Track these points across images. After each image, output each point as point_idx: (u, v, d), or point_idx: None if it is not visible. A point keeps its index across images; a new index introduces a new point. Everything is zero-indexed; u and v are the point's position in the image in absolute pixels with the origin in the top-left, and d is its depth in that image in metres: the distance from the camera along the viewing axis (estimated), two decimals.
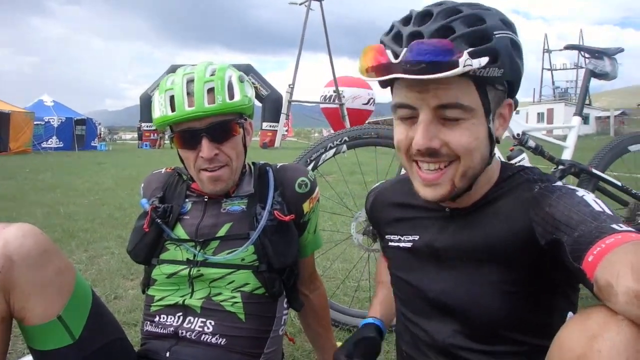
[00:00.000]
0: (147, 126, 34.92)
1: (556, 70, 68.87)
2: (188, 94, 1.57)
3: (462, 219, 1.31)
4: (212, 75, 1.61)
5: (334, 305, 2.82)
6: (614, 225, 0.98)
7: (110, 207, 7.23)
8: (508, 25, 1.15)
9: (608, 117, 50.87)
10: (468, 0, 1.18)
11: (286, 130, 34.79)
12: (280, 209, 1.70)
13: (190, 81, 1.59)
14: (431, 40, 1.08)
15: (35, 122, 27.10)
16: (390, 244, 1.48)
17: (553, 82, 68.13)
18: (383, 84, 1.23)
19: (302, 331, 2.68)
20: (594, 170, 3.03)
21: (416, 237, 1.39)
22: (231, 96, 1.61)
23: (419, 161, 1.22)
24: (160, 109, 1.60)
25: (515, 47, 1.15)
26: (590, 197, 1.11)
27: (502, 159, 2.46)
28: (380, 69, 1.14)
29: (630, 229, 0.97)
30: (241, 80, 1.67)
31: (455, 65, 1.04)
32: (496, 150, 2.68)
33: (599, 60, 3.11)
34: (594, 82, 3.36)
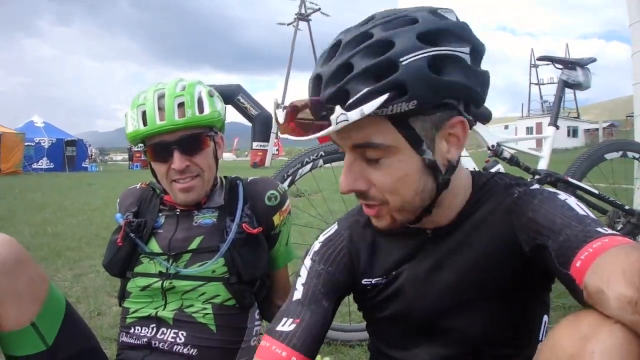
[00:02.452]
0: (138, 147, 34.66)
1: (544, 84, 69.33)
2: (159, 108, 1.62)
3: (445, 238, 1.21)
4: (182, 90, 1.66)
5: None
6: (599, 229, 0.96)
7: (98, 227, 7.23)
8: (430, 38, 0.99)
9: (597, 130, 51.20)
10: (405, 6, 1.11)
11: (277, 150, 34.77)
12: (249, 222, 1.74)
13: (161, 97, 1.64)
14: (308, 101, 1.03)
15: (26, 143, 27.01)
16: (369, 286, 1.31)
17: (541, 97, 68.46)
18: None
19: None
20: (571, 180, 3.05)
21: (400, 268, 1.26)
22: (201, 110, 1.66)
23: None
24: (132, 124, 1.65)
25: (435, 67, 0.99)
26: (572, 201, 1.08)
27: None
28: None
29: (615, 232, 0.95)
30: (210, 95, 1.72)
31: (328, 123, 0.96)
32: (471, 162, 2.75)
33: (572, 71, 3.15)
34: (581, 95, 3.41)
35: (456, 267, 1.19)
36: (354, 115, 0.94)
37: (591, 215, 1.04)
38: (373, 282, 1.30)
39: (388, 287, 1.28)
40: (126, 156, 49.53)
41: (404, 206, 1.11)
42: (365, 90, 0.96)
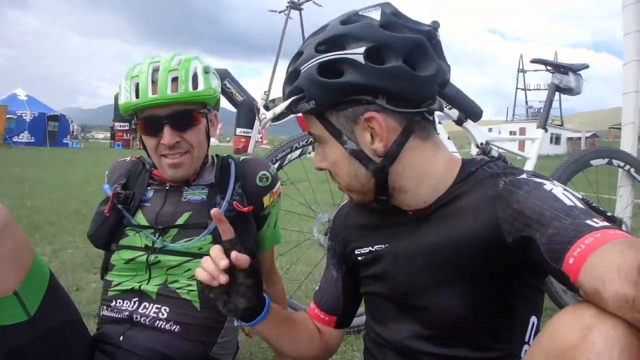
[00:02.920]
0: (120, 126, 34.47)
1: (530, 90, 69.88)
2: (153, 82, 1.61)
3: (425, 220, 1.26)
4: (177, 64, 1.64)
5: (296, 305, 2.85)
6: (589, 222, 0.95)
7: (77, 203, 7.17)
8: (327, 46, 1.18)
9: (579, 138, 51.71)
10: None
11: (260, 137, 34.75)
12: (239, 200, 1.73)
13: (155, 70, 1.63)
14: None
15: (7, 116, 26.67)
16: (360, 257, 1.42)
17: (527, 102, 69.01)
18: None
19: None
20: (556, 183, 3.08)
21: (387, 244, 1.35)
22: (195, 86, 1.65)
23: None
24: (125, 96, 1.64)
25: (337, 67, 1.15)
26: (559, 190, 1.07)
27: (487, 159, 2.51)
28: None
29: (606, 223, 0.95)
30: (206, 72, 1.70)
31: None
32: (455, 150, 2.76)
33: (564, 75, 3.17)
34: (566, 104, 3.44)
35: (433, 247, 1.22)
36: (269, 114, 1.14)
37: (579, 204, 1.03)
38: (362, 251, 1.41)
39: (374, 262, 1.37)
40: (108, 134, 49.09)
41: (348, 187, 1.30)
42: (286, 93, 1.23)
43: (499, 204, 1.12)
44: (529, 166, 3.10)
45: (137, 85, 1.62)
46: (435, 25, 1.23)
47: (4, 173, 11.13)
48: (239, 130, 33.12)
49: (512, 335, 1.21)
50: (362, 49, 1.13)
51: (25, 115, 29.41)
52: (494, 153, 2.90)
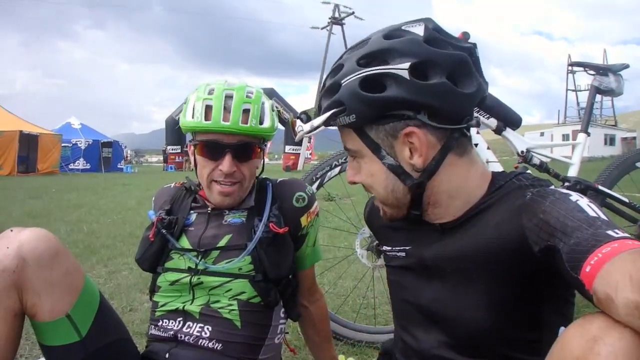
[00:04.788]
0: (173, 149, 35.29)
1: (581, 91, 67.85)
2: (225, 108, 1.66)
3: (453, 232, 1.28)
4: (250, 97, 1.71)
5: (340, 320, 2.87)
6: (610, 232, 0.95)
7: (132, 226, 7.37)
8: (369, 60, 1.20)
9: (634, 138, 50.08)
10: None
11: (310, 154, 34.87)
12: (276, 222, 1.77)
13: (228, 97, 1.68)
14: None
15: (62, 144, 27.65)
16: (386, 253, 1.49)
17: (578, 104, 66.98)
18: None
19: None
20: (601, 187, 3.01)
21: (407, 247, 1.39)
22: (262, 122, 1.72)
23: None
24: (194, 115, 1.68)
25: (380, 82, 1.17)
26: (584, 202, 1.08)
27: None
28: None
29: (626, 234, 0.95)
30: (272, 109, 1.79)
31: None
32: (499, 168, 2.75)
33: (603, 77, 3.11)
34: (619, 103, 3.37)
35: (461, 257, 1.23)
36: (307, 127, 1.16)
37: (602, 216, 1.03)
38: (386, 248, 1.50)
39: (400, 265, 1.42)
40: (161, 158, 50.26)
41: (384, 201, 1.32)
42: (324, 107, 1.25)
43: (526, 214, 1.13)
44: (573, 172, 3.04)
45: (209, 107, 1.67)
46: (473, 43, 1.25)
47: (61, 199, 11.56)
48: (287, 148, 33.38)
49: (542, 348, 1.16)
50: (406, 64, 1.14)
51: (80, 143, 30.46)
52: (536, 160, 2.86)
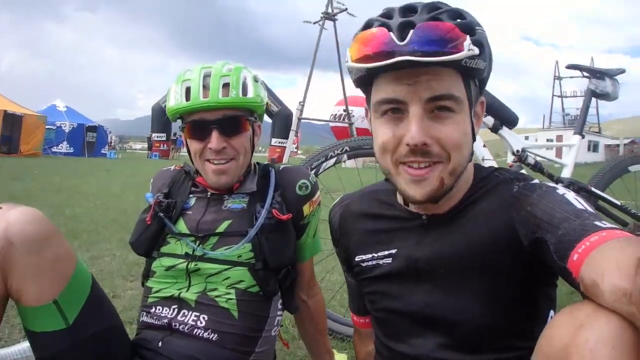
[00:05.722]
0: (158, 137, 35.07)
1: (566, 97, 68.50)
2: (204, 86, 1.64)
3: (441, 227, 1.26)
4: (228, 71, 1.68)
5: (329, 314, 2.84)
6: (597, 222, 0.97)
7: (115, 212, 7.31)
8: (480, 25, 1.14)
9: (618, 145, 50.64)
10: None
11: (295, 147, 34.85)
12: (279, 208, 1.73)
13: (207, 75, 1.66)
14: (438, 22, 1.06)
15: (47, 127, 27.32)
16: (363, 264, 1.40)
17: (563, 109, 67.59)
18: (361, 82, 1.22)
19: (296, 338, 2.71)
20: (593, 189, 3.03)
21: (393, 251, 1.33)
22: (245, 92, 1.68)
23: (408, 162, 1.16)
24: (175, 98, 1.67)
25: (489, 45, 1.16)
26: (571, 195, 1.10)
27: None
28: (381, 55, 1.07)
29: (614, 225, 0.96)
30: (255, 80, 1.74)
31: (459, 49, 1.04)
32: (494, 165, 2.73)
33: (600, 81, 3.12)
34: (603, 110, 3.38)
35: (454, 255, 1.22)
36: (476, 50, 1.06)
37: (589, 209, 1.05)
38: (364, 258, 1.39)
39: (382, 275, 1.35)
40: (145, 145, 49.97)
41: (459, 165, 1.17)
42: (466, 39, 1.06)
43: (514, 208, 1.16)
44: (566, 173, 3.06)
45: (188, 89, 1.65)
46: None
47: (44, 183, 11.40)
48: (274, 141, 33.31)
49: (535, 332, 1.18)
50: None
51: (64, 126, 30.13)
52: (531, 160, 2.87)
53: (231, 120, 1.67)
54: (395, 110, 1.15)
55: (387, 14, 1.13)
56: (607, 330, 0.81)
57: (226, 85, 1.65)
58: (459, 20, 1.09)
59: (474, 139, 1.21)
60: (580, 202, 1.07)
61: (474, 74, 1.14)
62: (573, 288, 0.96)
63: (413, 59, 1.03)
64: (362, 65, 1.12)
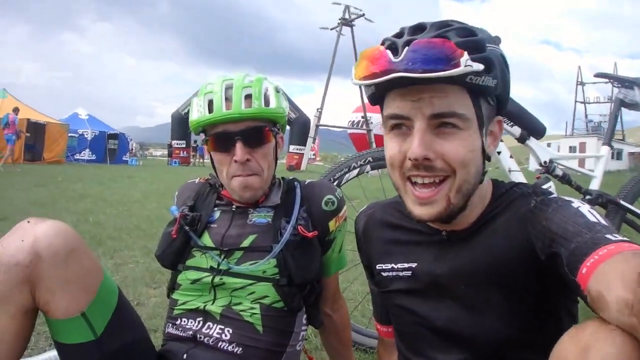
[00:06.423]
0: (177, 144, 35.45)
1: (589, 103, 67.81)
2: (226, 98, 1.64)
3: (460, 243, 1.27)
4: (250, 82, 1.68)
5: (352, 326, 2.82)
6: (609, 235, 0.98)
7: (138, 219, 7.35)
8: (496, 43, 1.15)
9: None
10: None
11: (313, 154, 34.87)
12: (304, 225, 1.72)
13: (228, 87, 1.66)
14: (432, 39, 1.06)
15: (69, 134, 27.71)
16: (383, 274, 1.43)
17: (586, 116, 66.93)
18: (374, 99, 1.23)
19: (319, 349, 2.70)
20: (622, 202, 2.99)
21: (413, 265, 1.34)
22: (267, 103, 1.67)
23: (412, 177, 1.19)
24: (198, 111, 1.67)
25: (505, 63, 1.17)
26: (585, 208, 1.10)
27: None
28: (378, 74, 1.10)
29: (624, 238, 0.96)
30: (277, 91, 1.74)
31: (456, 65, 1.04)
32: (522, 178, 2.70)
33: (629, 90, 3.09)
34: (627, 117, 3.34)
35: (474, 271, 1.22)
36: (476, 66, 1.05)
37: (602, 221, 1.05)
38: (384, 267, 1.41)
39: (403, 290, 1.36)
40: (165, 152, 50.35)
41: (466, 182, 1.17)
42: (470, 56, 1.05)
43: (530, 223, 1.16)
44: (595, 185, 3.02)
45: (211, 101, 1.65)
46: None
47: (67, 189, 11.53)
48: (291, 147, 33.41)
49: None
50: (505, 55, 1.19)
51: (86, 134, 30.54)
52: (558, 172, 2.82)
53: (254, 131, 1.66)
54: (402, 125, 1.17)
55: (399, 33, 1.15)
56: (611, 351, 0.81)
57: (248, 97, 1.65)
58: (467, 37, 1.09)
59: (487, 159, 1.22)
60: (593, 215, 1.08)
61: (483, 92, 1.14)
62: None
63: (405, 75, 1.05)
64: (359, 82, 1.16)
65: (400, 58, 1.07)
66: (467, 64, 1.04)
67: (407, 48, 1.07)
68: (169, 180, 15.79)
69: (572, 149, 49.05)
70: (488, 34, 1.15)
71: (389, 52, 1.09)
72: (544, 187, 2.61)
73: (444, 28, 1.11)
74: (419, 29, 1.13)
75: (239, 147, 1.63)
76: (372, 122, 33.60)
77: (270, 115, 1.68)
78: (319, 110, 31.88)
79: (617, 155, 49.57)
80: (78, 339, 1.38)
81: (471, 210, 1.25)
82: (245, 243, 1.69)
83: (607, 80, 3.36)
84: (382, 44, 1.16)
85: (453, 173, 1.15)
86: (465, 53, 1.04)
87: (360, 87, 1.29)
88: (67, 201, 9.17)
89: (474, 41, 1.09)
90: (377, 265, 1.44)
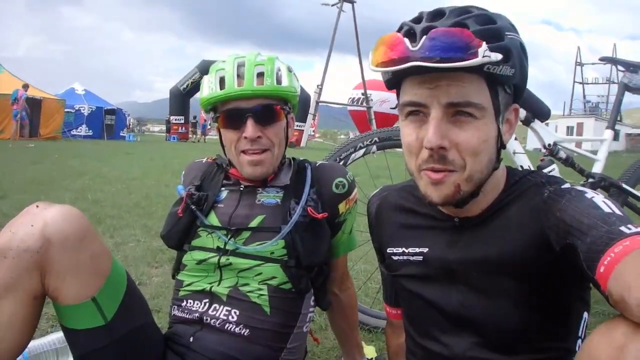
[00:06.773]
0: (176, 119, 35.23)
1: (588, 84, 67.59)
2: (238, 76, 1.63)
3: (473, 230, 1.28)
4: (262, 60, 1.67)
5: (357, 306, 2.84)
6: (623, 228, 0.97)
7: (137, 196, 7.30)
8: (516, 30, 1.15)
9: (639, 135, 49.93)
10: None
11: (313, 131, 34.75)
12: (314, 206, 1.72)
13: (240, 65, 1.65)
14: (450, 28, 1.06)
15: (66, 110, 27.49)
16: (394, 257, 1.43)
17: (584, 96, 66.77)
18: (391, 84, 1.22)
19: (323, 329, 2.71)
20: (624, 186, 2.99)
21: (424, 250, 1.35)
22: (279, 82, 1.67)
23: (427, 169, 1.19)
24: (209, 88, 1.66)
25: (524, 51, 1.16)
26: (599, 198, 1.10)
27: (532, 169, 2.45)
28: (396, 61, 1.09)
29: (638, 229, 0.96)
30: (289, 70, 1.73)
31: (474, 55, 1.03)
32: (526, 160, 2.70)
33: (633, 74, 3.07)
34: (625, 98, 3.33)
35: (487, 260, 1.22)
36: (494, 56, 1.05)
37: (617, 211, 1.04)
38: (395, 251, 1.42)
39: (414, 275, 1.36)
40: (163, 127, 50.13)
41: (477, 172, 1.17)
42: (489, 45, 1.05)
43: (544, 213, 1.16)
44: (598, 168, 3.01)
45: (222, 78, 1.64)
46: None
47: (64, 166, 11.48)
48: None
49: (570, 333, 1.23)
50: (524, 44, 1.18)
51: (83, 109, 30.30)
52: (562, 154, 2.81)
53: (266, 109, 1.66)
54: (418, 112, 1.17)
55: (417, 18, 1.14)
56: None
57: (260, 75, 1.64)
58: (486, 25, 1.09)
59: (502, 146, 1.22)
60: (608, 205, 1.07)
61: (500, 81, 1.13)
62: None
63: (423, 64, 1.05)
64: (377, 69, 1.15)
65: (418, 47, 1.06)
66: (485, 54, 1.03)
67: (425, 36, 1.06)
68: (167, 156, 15.65)
69: (569, 129, 49.10)
70: (508, 21, 1.14)
71: (406, 40, 1.09)
72: (548, 169, 2.63)
73: (463, 15, 1.10)
74: (438, 14, 1.12)
75: (249, 124, 1.63)
76: (372, 99, 33.50)
77: (282, 93, 1.68)
78: (319, 86, 31.74)
79: (614, 136, 49.68)
80: (88, 324, 1.38)
81: (484, 196, 1.25)
82: (254, 223, 1.68)
83: (611, 63, 3.34)
84: (400, 29, 1.15)
85: (463, 166, 1.16)
86: (484, 43, 1.04)
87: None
88: (65, 178, 9.09)
89: (493, 29, 1.08)
90: (388, 249, 1.45)
